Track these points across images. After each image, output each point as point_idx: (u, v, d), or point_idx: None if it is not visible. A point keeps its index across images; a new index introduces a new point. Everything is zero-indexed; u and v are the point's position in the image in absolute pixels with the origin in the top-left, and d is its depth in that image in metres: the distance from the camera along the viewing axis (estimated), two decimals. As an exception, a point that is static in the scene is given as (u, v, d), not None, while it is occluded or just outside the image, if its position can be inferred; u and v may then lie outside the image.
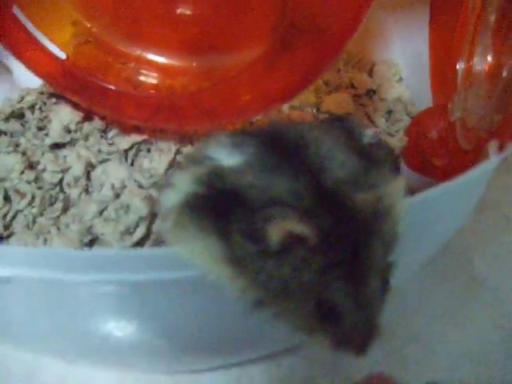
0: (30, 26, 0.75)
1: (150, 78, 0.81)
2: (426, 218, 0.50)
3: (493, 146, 0.57)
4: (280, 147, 0.36)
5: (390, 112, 0.85)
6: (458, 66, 0.76)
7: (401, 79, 0.90)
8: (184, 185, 0.37)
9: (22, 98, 0.83)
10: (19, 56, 0.76)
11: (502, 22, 0.68)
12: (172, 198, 0.38)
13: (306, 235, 0.31)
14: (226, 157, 0.36)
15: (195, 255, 0.37)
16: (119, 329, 0.50)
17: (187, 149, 0.77)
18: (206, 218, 0.35)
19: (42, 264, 0.41)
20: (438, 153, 0.72)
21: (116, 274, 0.40)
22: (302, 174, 0.34)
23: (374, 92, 0.88)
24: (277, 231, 0.31)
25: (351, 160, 0.36)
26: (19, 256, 0.41)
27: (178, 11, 0.77)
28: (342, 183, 0.34)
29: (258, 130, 0.40)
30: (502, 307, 0.75)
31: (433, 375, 0.69)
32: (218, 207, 0.35)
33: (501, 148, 0.56)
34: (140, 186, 0.73)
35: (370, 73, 0.93)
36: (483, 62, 0.73)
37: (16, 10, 0.73)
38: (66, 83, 0.76)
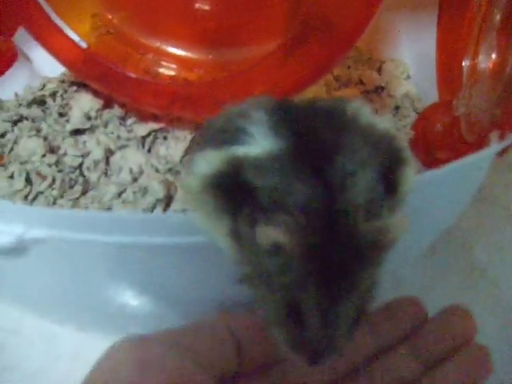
0: (53, 15, 0.78)
1: (167, 70, 0.85)
2: (428, 200, 0.52)
3: (494, 135, 0.60)
4: (312, 148, 0.35)
5: (397, 108, 0.87)
6: (463, 64, 0.79)
7: (408, 77, 0.93)
8: (210, 162, 0.37)
9: (44, 86, 0.86)
10: (43, 43, 0.79)
11: (507, 22, 0.70)
12: (200, 169, 0.38)
13: (285, 246, 0.32)
14: (257, 139, 0.36)
15: (208, 226, 0.39)
16: (135, 296, 0.53)
17: (202, 137, 0.79)
18: (222, 199, 0.36)
19: (77, 226, 0.44)
20: (442, 146, 0.75)
21: (144, 236, 0.43)
22: (318, 188, 0.33)
23: (383, 89, 0.91)
24: (263, 236, 0.32)
25: (372, 182, 0.35)
26: (55, 218, 0.44)
27: (197, 6, 0.80)
28: (355, 209, 0.33)
29: (297, 114, 0.37)
30: (502, 296, 0.78)
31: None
32: (233, 194, 0.36)
33: (501, 137, 0.59)
34: (157, 171, 0.75)
35: (379, 70, 0.95)
36: (488, 59, 0.75)
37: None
38: (87, 70, 0.79)
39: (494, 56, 0.74)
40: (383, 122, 0.38)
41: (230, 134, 0.37)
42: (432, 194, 0.52)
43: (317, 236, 0.32)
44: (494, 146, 0.55)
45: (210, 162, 0.37)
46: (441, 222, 0.63)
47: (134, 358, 0.39)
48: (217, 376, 0.41)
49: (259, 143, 0.35)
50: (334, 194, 0.32)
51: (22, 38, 0.90)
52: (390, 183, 0.35)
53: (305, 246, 0.32)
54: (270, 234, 0.32)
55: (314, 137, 0.35)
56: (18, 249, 0.46)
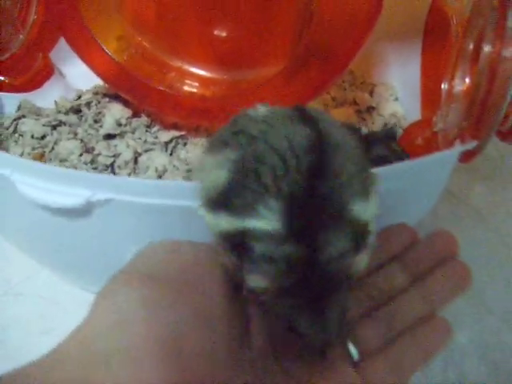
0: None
1: (187, 86, 0.95)
2: (399, 192, 0.62)
3: (457, 141, 0.72)
4: (303, 232, 0.41)
5: (385, 125, 0.98)
6: (442, 87, 0.91)
7: (396, 99, 1.03)
8: (227, 223, 0.44)
9: (79, 97, 0.99)
10: (82, 56, 0.89)
11: (478, 51, 0.81)
12: (220, 224, 0.45)
13: (267, 289, 0.40)
14: (266, 220, 0.41)
15: None
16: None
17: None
18: (231, 250, 0.44)
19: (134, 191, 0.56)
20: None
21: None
22: (301, 252, 0.40)
23: (374, 108, 1.02)
24: (251, 282, 0.41)
25: (346, 245, 0.41)
26: (118, 182, 0.56)
27: (215, 32, 0.91)
28: (330, 260, 0.40)
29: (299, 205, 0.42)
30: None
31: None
32: (238, 249, 0.43)
33: (462, 141, 0.71)
34: (178, 171, 0.87)
35: (371, 93, 1.06)
36: (462, 83, 0.87)
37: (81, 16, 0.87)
38: (119, 82, 0.90)
39: (467, 80, 0.85)
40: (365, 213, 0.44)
41: (246, 208, 0.43)
42: (404, 186, 0.63)
43: (294, 279, 0.40)
44: (456, 148, 0.67)
45: (227, 222, 0.44)
46: (411, 215, 0.73)
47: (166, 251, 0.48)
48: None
49: (266, 223, 0.41)
50: (315, 255, 0.40)
51: (57, 57, 1.02)
52: (358, 247, 0.42)
53: (283, 287, 0.40)
54: (255, 279, 0.41)
55: (306, 222, 0.41)
56: (84, 209, 0.58)
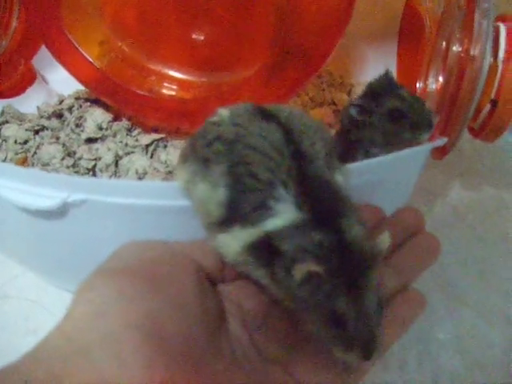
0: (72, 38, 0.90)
1: (167, 89, 0.96)
2: (375, 185, 0.65)
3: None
4: (322, 217, 0.43)
5: None
6: (417, 85, 0.93)
7: None
8: (249, 235, 0.46)
9: (61, 101, 1.00)
10: (63, 62, 0.90)
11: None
12: (240, 238, 0.46)
13: (318, 272, 0.40)
14: (282, 214, 0.44)
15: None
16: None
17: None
18: (258, 259, 0.46)
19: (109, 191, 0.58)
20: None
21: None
22: (328, 233, 0.42)
23: None
24: (299, 272, 0.41)
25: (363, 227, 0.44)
26: (91, 184, 0.58)
27: (193, 36, 0.92)
28: (357, 240, 0.42)
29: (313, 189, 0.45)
30: (445, 277, 0.90)
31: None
32: (266, 255, 0.44)
33: (431, 138, 0.73)
34: (158, 173, 0.88)
35: (349, 93, 1.08)
36: (435, 81, 0.89)
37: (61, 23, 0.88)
38: (100, 87, 0.91)
39: (440, 79, 0.87)
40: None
41: (260, 211, 0.44)
42: (376, 180, 0.65)
43: (333, 260, 0.41)
44: (427, 144, 0.69)
45: (246, 234, 0.45)
46: (386, 210, 0.75)
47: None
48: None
49: (285, 217, 0.43)
50: (341, 234, 0.42)
51: (40, 63, 1.04)
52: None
53: (328, 268, 0.41)
54: (303, 268, 0.40)
55: (323, 207, 0.44)
56: (60, 211, 0.59)
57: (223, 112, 0.53)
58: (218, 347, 0.46)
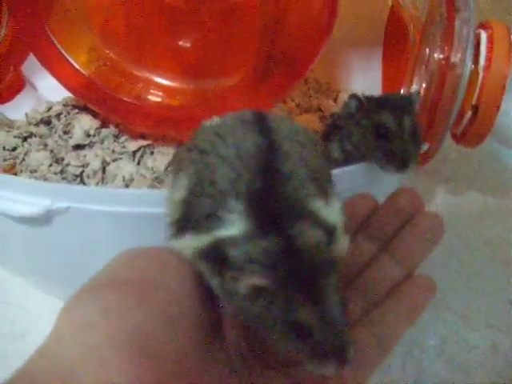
0: (59, 45, 0.90)
1: (154, 96, 0.96)
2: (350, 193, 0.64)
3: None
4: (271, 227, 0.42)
5: None
6: (401, 92, 0.94)
7: None
8: (200, 241, 0.45)
9: (50, 109, 1.01)
10: (50, 70, 0.91)
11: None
12: (192, 245, 0.46)
13: (265, 286, 0.39)
14: (235, 225, 0.43)
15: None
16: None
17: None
18: (209, 266, 0.44)
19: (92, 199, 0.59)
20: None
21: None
22: (277, 243, 0.41)
23: None
24: (244, 285, 0.40)
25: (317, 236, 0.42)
26: (75, 192, 0.59)
27: (180, 43, 0.92)
28: (309, 245, 0.41)
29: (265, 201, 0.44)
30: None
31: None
32: (217, 263, 0.43)
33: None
34: (145, 179, 0.89)
35: (336, 99, 1.09)
36: (419, 88, 0.89)
37: (48, 31, 0.88)
38: (87, 95, 0.92)
39: (424, 85, 0.88)
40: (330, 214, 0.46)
41: (212, 219, 0.44)
42: (356, 186, 0.66)
43: (283, 269, 0.40)
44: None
45: (199, 240, 0.44)
46: None
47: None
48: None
49: (233, 227, 0.43)
50: (291, 241, 0.41)
51: (29, 70, 1.04)
52: (330, 241, 0.43)
53: (277, 279, 0.39)
54: (248, 281, 0.40)
55: (272, 217, 0.43)
56: (44, 219, 0.60)
57: (210, 122, 0.53)
58: (212, 355, 0.46)
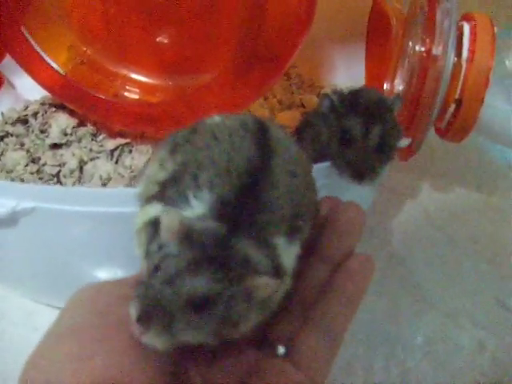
0: (35, 44, 0.89)
1: (133, 94, 0.95)
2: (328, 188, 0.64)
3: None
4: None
5: None
6: (384, 87, 0.92)
7: None
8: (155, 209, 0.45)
9: (27, 107, 0.99)
10: (26, 69, 0.90)
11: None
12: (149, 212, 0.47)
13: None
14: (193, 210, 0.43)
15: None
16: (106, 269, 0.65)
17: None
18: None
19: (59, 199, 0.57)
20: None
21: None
22: (222, 229, 0.41)
23: None
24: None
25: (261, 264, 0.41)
26: (40, 192, 0.57)
27: (158, 39, 0.91)
28: (242, 260, 0.40)
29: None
30: (413, 279, 0.90)
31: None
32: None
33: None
34: (122, 178, 0.87)
35: (319, 94, 1.07)
36: (403, 82, 0.88)
37: (24, 30, 0.87)
38: (65, 94, 0.91)
39: (406, 80, 0.87)
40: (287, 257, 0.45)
41: (181, 201, 0.44)
42: (334, 182, 0.65)
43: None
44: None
45: (157, 210, 0.45)
46: None
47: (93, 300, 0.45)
48: None
49: (195, 211, 0.42)
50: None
51: (8, 68, 1.02)
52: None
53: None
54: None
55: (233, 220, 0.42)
56: (10, 219, 0.58)
57: (211, 120, 0.52)
58: None
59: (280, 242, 0.44)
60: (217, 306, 0.38)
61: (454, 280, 0.91)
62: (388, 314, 0.85)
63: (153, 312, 0.38)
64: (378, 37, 0.99)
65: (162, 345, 0.39)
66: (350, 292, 0.48)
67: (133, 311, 0.39)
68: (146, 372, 0.41)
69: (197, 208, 0.43)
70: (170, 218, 0.40)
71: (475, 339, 0.83)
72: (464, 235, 0.97)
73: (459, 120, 0.76)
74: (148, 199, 0.48)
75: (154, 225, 0.44)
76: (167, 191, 0.46)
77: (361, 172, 0.65)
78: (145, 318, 0.38)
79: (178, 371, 0.44)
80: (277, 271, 0.42)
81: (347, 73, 1.05)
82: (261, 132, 0.49)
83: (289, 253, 0.45)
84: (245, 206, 0.43)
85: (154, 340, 0.38)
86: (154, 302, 0.38)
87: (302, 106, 1.04)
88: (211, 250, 0.39)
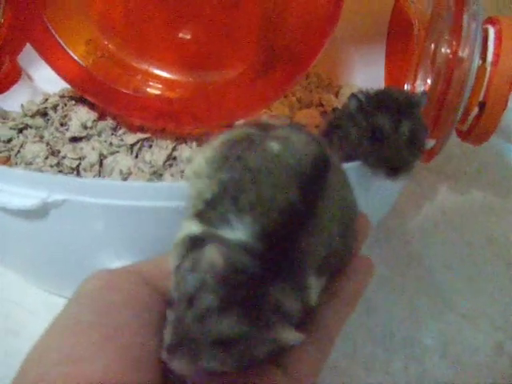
0: (57, 36, 0.89)
1: (153, 89, 0.95)
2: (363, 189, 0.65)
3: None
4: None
5: None
6: (405, 88, 0.92)
7: None
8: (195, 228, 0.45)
9: (46, 100, 0.99)
10: (47, 60, 0.89)
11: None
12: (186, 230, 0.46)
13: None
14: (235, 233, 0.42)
15: None
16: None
17: (182, 146, 0.91)
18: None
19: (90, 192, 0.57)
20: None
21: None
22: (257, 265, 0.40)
23: None
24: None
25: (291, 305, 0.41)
26: (71, 184, 0.57)
27: (180, 35, 0.91)
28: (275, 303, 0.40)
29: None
30: (431, 280, 0.90)
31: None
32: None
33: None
34: (143, 173, 0.88)
35: (337, 94, 1.07)
36: (424, 84, 0.88)
37: (46, 20, 0.87)
38: (85, 86, 0.90)
39: (429, 81, 0.86)
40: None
41: (222, 221, 0.43)
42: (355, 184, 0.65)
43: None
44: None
45: (197, 227, 0.45)
46: (377, 211, 0.75)
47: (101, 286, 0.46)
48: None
49: (238, 233, 0.42)
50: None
51: (25, 60, 1.03)
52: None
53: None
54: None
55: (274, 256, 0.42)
56: (41, 210, 0.58)
57: (269, 145, 0.48)
58: None
59: (312, 281, 0.44)
60: (242, 346, 0.39)
61: (472, 281, 0.91)
62: (406, 314, 0.85)
63: (181, 344, 0.39)
64: (399, 38, 0.99)
65: (187, 372, 0.40)
66: (346, 295, 0.49)
67: (166, 338, 0.41)
68: (145, 376, 0.42)
69: (238, 231, 0.42)
70: (215, 253, 0.40)
71: (493, 341, 0.83)
72: (481, 237, 0.98)
73: (482, 123, 0.76)
74: (191, 215, 0.47)
75: (191, 242, 0.44)
76: (210, 211, 0.45)
77: (396, 167, 0.65)
78: (174, 349, 0.40)
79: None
80: (305, 311, 0.43)
81: (366, 73, 1.05)
82: (318, 171, 0.47)
83: (317, 287, 0.45)
84: (285, 245, 0.42)
85: (180, 367, 0.40)
86: (183, 335, 0.39)
87: (321, 104, 1.04)
88: (246, 292, 0.39)
